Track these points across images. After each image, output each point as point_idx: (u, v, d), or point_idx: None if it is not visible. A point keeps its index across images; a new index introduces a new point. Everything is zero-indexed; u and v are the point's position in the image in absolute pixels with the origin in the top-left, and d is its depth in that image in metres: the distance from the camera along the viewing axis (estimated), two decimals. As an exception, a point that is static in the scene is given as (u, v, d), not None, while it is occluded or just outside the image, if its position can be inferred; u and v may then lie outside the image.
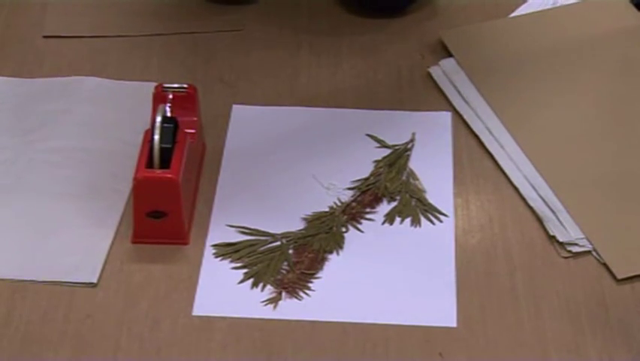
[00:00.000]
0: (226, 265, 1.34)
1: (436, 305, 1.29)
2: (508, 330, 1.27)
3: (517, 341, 1.26)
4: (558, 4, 1.71)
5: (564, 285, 1.32)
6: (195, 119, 1.43)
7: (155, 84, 1.43)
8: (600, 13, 1.68)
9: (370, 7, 1.65)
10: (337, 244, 1.37)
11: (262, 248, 1.36)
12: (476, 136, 1.50)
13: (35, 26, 1.68)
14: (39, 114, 1.53)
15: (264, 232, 1.37)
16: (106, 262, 1.34)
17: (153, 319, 1.28)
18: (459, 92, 1.55)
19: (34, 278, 1.32)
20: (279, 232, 1.37)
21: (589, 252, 1.35)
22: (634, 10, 1.67)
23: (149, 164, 1.33)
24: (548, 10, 1.70)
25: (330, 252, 1.36)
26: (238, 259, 1.34)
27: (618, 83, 1.57)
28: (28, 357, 1.25)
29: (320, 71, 1.61)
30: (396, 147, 1.49)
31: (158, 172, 1.33)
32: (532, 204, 1.40)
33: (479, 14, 1.68)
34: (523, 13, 1.70)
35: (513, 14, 1.70)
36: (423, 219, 1.39)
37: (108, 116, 1.53)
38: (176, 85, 1.42)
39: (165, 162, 1.33)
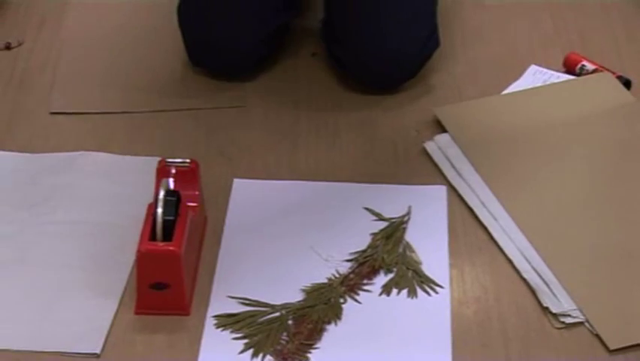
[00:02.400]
0: (227, 335, 1.34)
1: (432, 375, 1.29)
2: (504, 400, 1.27)
3: (512, 410, 1.26)
4: (549, 82, 1.72)
5: (558, 356, 1.32)
6: (197, 192, 1.44)
7: (158, 159, 1.44)
8: (590, 92, 1.69)
9: (367, 84, 1.67)
10: (335, 315, 1.36)
11: (262, 319, 1.36)
12: (471, 209, 1.50)
13: (42, 103, 1.70)
14: (45, 188, 1.54)
15: (264, 303, 1.37)
16: (109, 333, 1.34)
17: (155, 389, 1.28)
18: (453, 167, 1.56)
19: (39, 349, 1.32)
20: (279, 303, 1.37)
21: (582, 323, 1.35)
22: (623, 88, 1.69)
23: (152, 236, 1.34)
24: (540, 87, 1.72)
25: (329, 323, 1.35)
26: (239, 329, 1.34)
27: (607, 160, 1.58)
28: None
29: (318, 145, 1.62)
30: (393, 220, 1.49)
31: (161, 245, 1.33)
32: (525, 275, 1.41)
33: (472, 91, 1.69)
34: (515, 90, 1.71)
35: (505, 91, 1.71)
36: (419, 291, 1.40)
37: (112, 190, 1.54)
38: (178, 160, 1.43)
39: (168, 235, 1.33)
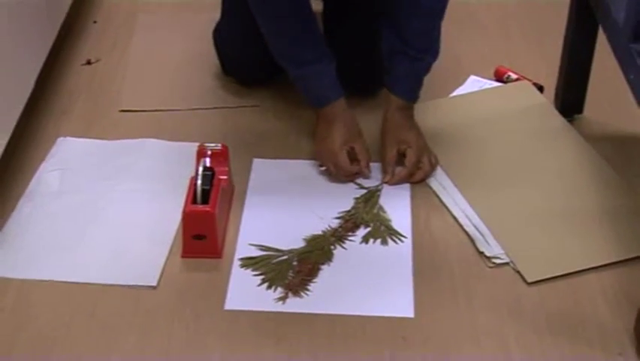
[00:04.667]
0: (249, 273, 1.33)
1: (399, 301, 1.29)
2: (450, 319, 1.26)
3: (455, 326, 1.26)
4: (484, 87, 1.71)
5: (491, 287, 1.31)
6: (227, 168, 1.43)
7: (198, 144, 1.43)
8: (514, 95, 1.68)
9: (353, 90, 1.64)
10: (328, 258, 1.36)
11: (274, 261, 1.35)
12: (426, 182, 1.49)
13: (114, 104, 1.68)
14: (115, 166, 1.52)
15: (276, 248, 1.36)
16: (163, 271, 1.33)
17: (196, 312, 1.27)
18: (414, 150, 1.55)
19: (111, 282, 1.31)
20: (287, 248, 1.36)
21: (507, 263, 1.34)
22: (537, 92, 1.68)
23: (194, 201, 1.33)
24: (477, 92, 1.70)
25: (323, 263, 1.35)
26: (257, 268, 1.33)
27: (528, 144, 1.57)
28: (105, 342, 1.24)
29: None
30: (371, 188, 1.48)
31: (200, 207, 1.33)
32: (467, 229, 1.40)
33: (427, 94, 1.64)
34: (459, 94, 1.70)
35: (452, 95, 1.70)
36: (389, 240, 1.39)
37: (164, 167, 1.52)
38: (213, 144, 1.42)
39: (205, 200, 1.33)
